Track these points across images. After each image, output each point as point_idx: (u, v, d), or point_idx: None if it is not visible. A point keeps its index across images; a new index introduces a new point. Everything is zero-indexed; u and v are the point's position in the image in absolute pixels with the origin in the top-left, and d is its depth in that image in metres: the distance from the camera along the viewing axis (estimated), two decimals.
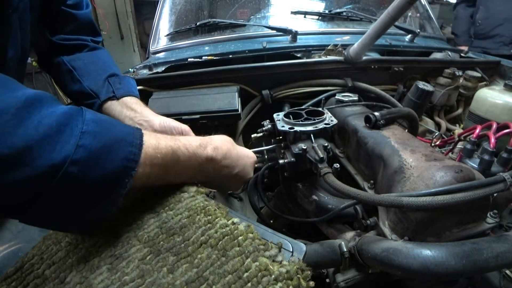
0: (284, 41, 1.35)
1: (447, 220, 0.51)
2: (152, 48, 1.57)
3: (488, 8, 2.54)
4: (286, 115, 0.75)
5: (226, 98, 0.94)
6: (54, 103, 0.35)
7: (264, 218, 0.81)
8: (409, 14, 1.78)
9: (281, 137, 0.76)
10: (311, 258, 0.48)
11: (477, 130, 0.76)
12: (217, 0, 1.85)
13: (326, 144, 0.66)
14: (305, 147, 0.65)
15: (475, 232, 0.53)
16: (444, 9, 4.29)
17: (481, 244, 0.43)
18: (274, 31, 1.38)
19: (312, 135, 0.69)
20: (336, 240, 0.54)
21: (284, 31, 1.35)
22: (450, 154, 0.87)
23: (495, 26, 2.49)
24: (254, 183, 0.80)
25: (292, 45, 1.30)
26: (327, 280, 0.56)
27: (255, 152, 0.68)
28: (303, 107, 0.85)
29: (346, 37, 1.42)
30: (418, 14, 1.80)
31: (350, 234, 0.61)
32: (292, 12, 1.52)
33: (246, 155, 0.61)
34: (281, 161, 0.70)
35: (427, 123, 1.15)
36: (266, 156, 0.81)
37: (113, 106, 0.76)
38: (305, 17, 1.55)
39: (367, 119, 0.73)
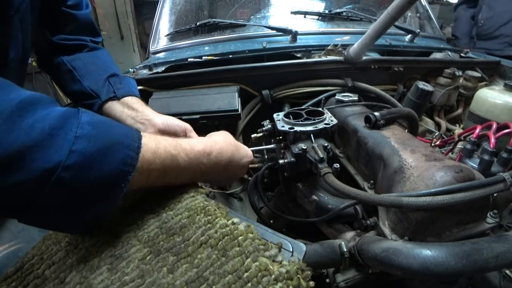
0: (284, 41, 1.35)
1: (447, 220, 0.51)
2: (152, 48, 1.56)
3: (492, 7, 2.44)
4: (286, 115, 0.75)
5: (226, 98, 0.94)
6: (50, 105, 0.34)
7: (264, 218, 0.81)
8: (409, 14, 1.78)
9: (281, 137, 0.76)
10: (311, 258, 0.48)
11: (477, 130, 0.76)
12: (217, 0, 1.85)
13: (326, 144, 0.66)
14: (305, 147, 0.65)
15: (475, 232, 0.53)
16: (444, 9, 4.29)
17: (481, 244, 0.43)
18: (274, 31, 1.38)
19: (312, 135, 0.69)
20: (336, 240, 0.54)
21: (284, 31, 1.35)
22: (450, 154, 0.87)
23: (499, 26, 2.39)
24: (254, 183, 0.80)
25: (292, 45, 1.30)
26: (327, 280, 0.56)
27: (255, 152, 0.68)
28: (303, 107, 0.85)
29: (346, 37, 1.42)
30: (418, 14, 1.80)
31: (350, 234, 0.61)
32: (292, 12, 1.52)
33: (245, 155, 0.62)
34: (281, 161, 0.70)
35: (427, 123, 1.15)
36: (266, 156, 0.81)
37: (114, 106, 0.76)
38: (305, 17, 1.55)
39: (367, 119, 0.73)
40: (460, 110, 1.25)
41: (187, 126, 0.75)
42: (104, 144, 0.35)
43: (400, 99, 1.12)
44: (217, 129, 0.92)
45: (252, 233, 0.40)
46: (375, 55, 1.30)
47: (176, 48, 1.49)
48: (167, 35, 1.59)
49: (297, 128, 0.69)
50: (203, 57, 1.23)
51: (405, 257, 0.43)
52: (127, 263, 0.37)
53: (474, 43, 2.61)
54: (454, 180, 0.49)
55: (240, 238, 0.39)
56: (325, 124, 0.71)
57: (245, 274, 0.35)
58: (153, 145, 0.42)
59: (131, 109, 0.76)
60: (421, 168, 0.54)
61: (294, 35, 1.33)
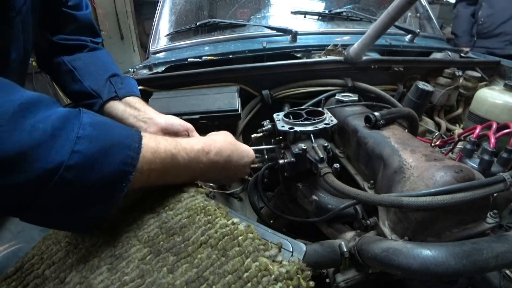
0: (284, 41, 1.35)
1: (447, 220, 0.51)
2: (152, 48, 1.56)
3: (492, 5, 2.38)
4: (286, 115, 0.75)
5: (226, 98, 0.94)
6: (52, 106, 0.35)
7: (264, 218, 0.81)
8: (409, 14, 1.78)
9: (281, 137, 0.76)
10: (311, 258, 0.48)
11: (477, 130, 0.76)
12: (217, 0, 1.85)
13: (326, 144, 0.66)
14: (305, 147, 0.65)
15: (475, 232, 0.53)
16: (444, 9, 4.29)
17: (481, 244, 0.43)
18: (274, 31, 1.38)
19: (312, 135, 0.69)
20: (336, 240, 0.54)
21: (284, 31, 1.35)
22: (450, 154, 0.87)
23: (500, 23, 2.33)
24: (254, 183, 0.80)
25: (292, 45, 1.30)
26: (327, 280, 0.56)
27: (255, 152, 0.68)
28: (303, 107, 0.85)
29: (346, 37, 1.42)
30: (418, 14, 1.80)
31: (350, 234, 0.61)
32: (292, 12, 1.52)
33: (246, 154, 0.62)
34: (281, 161, 0.70)
35: (427, 123, 1.15)
36: (266, 156, 0.81)
37: (116, 106, 0.76)
38: (305, 17, 1.55)
39: (367, 119, 0.73)
40: (460, 110, 1.25)
41: (189, 125, 0.75)
42: (105, 145, 0.36)
43: (400, 99, 1.12)
44: (217, 129, 0.93)
45: (252, 233, 0.40)
46: (375, 55, 1.30)
47: (176, 48, 1.49)
48: (167, 35, 1.59)
49: (297, 128, 0.69)
50: (203, 57, 1.23)
51: (405, 257, 0.43)
52: (127, 263, 0.37)
53: (474, 42, 2.55)
54: (454, 180, 0.49)
55: (240, 238, 0.39)
56: (325, 124, 0.71)
57: (245, 274, 0.35)
58: (153, 145, 0.42)
59: (133, 108, 0.76)
60: (421, 168, 0.54)
61: (294, 35, 1.33)
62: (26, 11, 0.62)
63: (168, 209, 0.45)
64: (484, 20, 2.43)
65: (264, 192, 0.83)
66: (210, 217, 0.42)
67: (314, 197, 0.70)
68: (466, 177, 0.50)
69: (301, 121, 0.73)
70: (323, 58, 1.15)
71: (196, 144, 0.50)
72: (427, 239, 0.52)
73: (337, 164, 0.63)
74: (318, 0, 1.94)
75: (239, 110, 0.92)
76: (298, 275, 0.35)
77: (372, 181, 0.66)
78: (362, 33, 1.05)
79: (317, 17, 1.56)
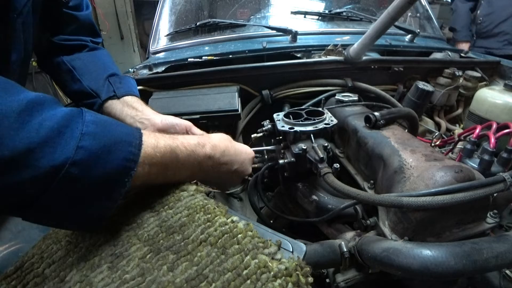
0: (284, 41, 1.35)
1: (447, 220, 0.51)
2: (152, 48, 1.57)
3: (491, 3, 2.32)
4: (286, 115, 0.75)
5: (226, 98, 0.94)
6: (55, 106, 0.36)
7: (264, 218, 0.81)
8: (409, 14, 1.78)
9: (281, 137, 0.76)
10: (311, 258, 0.48)
11: (477, 130, 0.76)
12: (217, 0, 1.85)
13: (326, 144, 0.66)
14: (305, 147, 0.65)
15: (475, 232, 0.53)
16: (444, 9, 4.28)
17: (481, 244, 0.43)
18: (274, 31, 1.38)
19: (312, 135, 0.69)
20: (336, 240, 0.54)
21: (284, 31, 1.35)
22: (450, 154, 0.87)
23: (499, 22, 2.27)
24: (254, 183, 0.80)
25: (292, 45, 1.30)
26: (327, 280, 0.56)
27: (255, 152, 0.68)
28: (303, 107, 0.85)
29: (346, 37, 1.42)
30: (418, 14, 1.80)
31: (350, 234, 0.61)
32: (292, 12, 1.52)
33: (244, 151, 0.62)
34: (281, 161, 0.70)
35: (427, 123, 1.15)
36: (266, 156, 0.81)
37: (114, 105, 0.76)
38: (305, 17, 1.55)
39: (367, 119, 0.73)
40: (460, 110, 1.25)
41: (188, 123, 0.75)
42: (107, 142, 0.37)
43: (400, 99, 1.13)
44: (217, 129, 0.93)
45: (252, 231, 0.40)
46: (375, 55, 1.30)
47: (176, 48, 1.49)
48: (167, 35, 1.59)
49: (297, 128, 0.69)
50: (203, 57, 1.23)
51: (405, 257, 0.43)
52: (127, 262, 0.37)
53: (474, 41, 2.51)
54: (454, 180, 0.49)
55: (239, 236, 0.39)
56: (325, 124, 0.71)
57: (245, 272, 0.35)
58: (153, 140, 0.43)
59: (131, 108, 0.76)
60: (421, 168, 0.54)
61: (294, 35, 1.33)
62: (27, 12, 0.62)
63: (168, 208, 0.45)
64: (483, 19, 2.38)
65: (264, 192, 0.83)
66: (209, 216, 0.42)
67: (314, 197, 0.70)
68: (466, 177, 0.50)
69: (301, 121, 0.73)
70: (323, 58, 1.15)
71: (192, 139, 0.51)
72: (427, 239, 0.52)
73: (337, 164, 0.63)
74: (318, 0, 1.94)
75: (239, 110, 0.92)
76: (297, 272, 0.35)
77: (372, 181, 0.66)
78: (362, 33, 1.05)
79: (317, 17, 1.56)
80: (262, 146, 0.81)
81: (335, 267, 0.55)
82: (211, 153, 0.52)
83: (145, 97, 0.91)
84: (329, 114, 0.76)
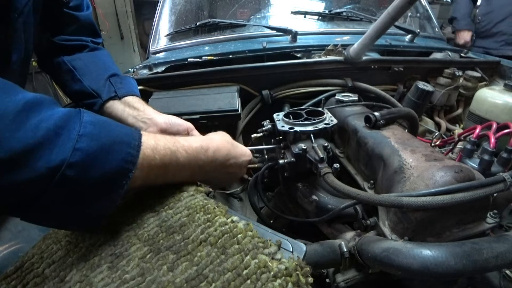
0: (284, 41, 1.35)
1: (447, 220, 0.51)
2: (152, 48, 1.57)
3: (490, 1, 2.26)
4: (286, 115, 0.75)
5: (226, 98, 0.94)
6: (53, 106, 0.35)
7: (264, 218, 0.81)
8: (409, 14, 1.78)
9: (281, 137, 0.76)
10: (311, 258, 0.48)
11: (477, 130, 0.76)
12: (217, 0, 1.85)
13: (326, 144, 0.66)
14: (305, 147, 0.65)
15: (475, 232, 0.53)
16: (444, 9, 4.28)
17: (481, 244, 0.43)
18: (274, 31, 1.38)
19: (312, 135, 0.69)
20: (336, 240, 0.54)
21: (284, 31, 1.35)
22: (450, 154, 0.87)
23: (497, 22, 2.21)
24: (254, 183, 0.80)
25: (292, 45, 1.30)
26: (327, 280, 0.56)
27: (255, 152, 0.68)
28: (303, 107, 0.85)
29: (346, 37, 1.42)
30: (418, 14, 1.80)
31: (350, 234, 0.61)
32: (292, 12, 1.52)
33: (243, 154, 0.62)
34: (281, 161, 0.70)
35: (427, 123, 1.15)
36: (266, 156, 0.81)
37: (115, 106, 0.76)
38: (305, 17, 1.55)
39: (367, 119, 0.73)
40: (460, 110, 1.25)
41: (189, 125, 0.75)
42: (105, 143, 0.36)
43: (400, 99, 1.13)
44: (217, 129, 0.93)
45: (252, 231, 0.40)
46: (375, 55, 1.30)
47: (176, 48, 1.49)
48: (167, 35, 1.59)
49: (297, 128, 0.69)
50: (203, 57, 1.23)
51: (405, 257, 0.43)
52: (127, 262, 0.37)
53: (474, 41, 2.45)
54: (454, 180, 0.49)
55: (239, 236, 0.39)
56: (325, 124, 0.71)
57: (245, 271, 0.35)
58: (152, 142, 0.43)
59: (132, 108, 0.76)
60: (421, 168, 0.54)
61: (294, 35, 1.33)
62: (28, 12, 0.62)
63: (168, 208, 0.45)
64: (482, 18, 2.33)
65: (264, 192, 0.83)
66: (209, 216, 0.42)
67: (314, 197, 0.70)
68: (466, 177, 0.50)
69: (301, 121, 0.73)
70: (323, 58, 1.15)
71: (194, 142, 0.51)
72: (427, 239, 0.52)
73: (337, 164, 0.63)
74: (318, 0, 1.94)
75: (239, 110, 0.92)
76: (297, 272, 0.35)
77: (372, 181, 0.66)
78: (362, 33, 1.05)
79: (317, 17, 1.56)
80: (262, 146, 0.81)
81: (335, 267, 0.55)
82: (213, 157, 0.52)
83: (145, 97, 0.91)
84: (329, 114, 0.76)
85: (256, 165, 0.80)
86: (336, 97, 0.94)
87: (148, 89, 1.02)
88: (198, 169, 0.50)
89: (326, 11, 1.58)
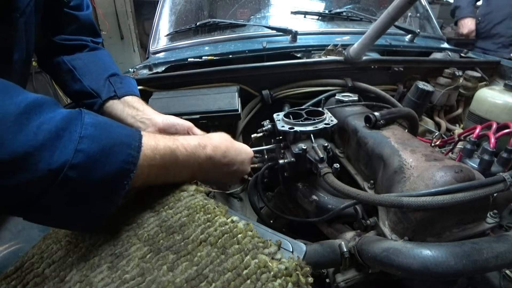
0: (284, 41, 1.35)
1: (447, 220, 0.51)
2: (152, 48, 1.56)
3: (490, 2, 2.23)
4: (286, 115, 0.75)
5: (226, 98, 0.94)
6: (54, 108, 0.35)
7: (264, 218, 0.81)
8: (409, 14, 1.78)
9: (281, 137, 0.76)
10: (311, 258, 0.48)
11: (477, 130, 0.76)
12: (217, 0, 1.85)
13: (326, 144, 0.66)
14: (305, 147, 0.65)
15: (475, 232, 0.53)
16: (444, 9, 4.28)
17: (481, 244, 0.43)
18: (274, 31, 1.38)
19: (312, 135, 0.69)
20: (336, 240, 0.54)
21: (284, 31, 1.35)
22: (450, 154, 0.87)
23: (495, 24, 2.19)
24: (254, 183, 0.80)
25: (292, 45, 1.30)
26: (327, 280, 0.56)
27: (255, 152, 0.68)
28: (303, 107, 0.85)
29: (346, 37, 1.42)
30: (418, 14, 1.80)
31: (350, 234, 0.61)
32: (292, 12, 1.52)
33: (244, 151, 0.62)
34: (281, 161, 0.70)
35: (427, 123, 1.15)
36: (266, 156, 0.81)
37: (115, 105, 0.76)
38: (305, 17, 1.55)
39: (367, 119, 0.73)
40: (460, 110, 1.25)
41: (189, 124, 0.75)
42: (106, 144, 0.37)
43: (400, 99, 1.13)
44: (217, 129, 0.93)
45: (251, 231, 0.40)
46: (375, 55, 1.30)
47: (176, 48, 1.49)
48: (167, 35, 1.59)
49: (297, 128, 0.69)
50: (203, 57, 1.23)
51: (405, 257, 0.43)
52: (127, 262, 0.37)
53: (475, 41, 2.42)
54: (454, 180, 0.49)
55: (239, 235, 0.39)
56: (325, 124, 0.71)
57: (245, 271, 0.35)
58: (152, 142, 0.43)
59: (132, 108, 0.76)
60: (421, 168, 0.54)
61: (294, 35, 1.33)
62: (30, 12, 0.62)
63: (168, 208, 0.45)
64: (482, 19, 2.31)
65: (264, 192, 0.83)
66: (209, 216, 0.42)
67: (314, 197, 0.70)
68: (466, 177, 0.50)
69: (301, 121, 0.73)
70: (323, 58, 1.15)
71: (193, 140, 0.51)
72: (427, 239, 0.52)
73: (337, 164, 0.63)
74: (318, 0, 1.94)
75: (239, 110, 0.92)
76: (297, 272, 0.35)
77: (372, 181, 0.66)
78: (362, 33, 1.05)
79: (317, 17, 1.56)
80: (262, 146, 0.81)
81: (335, 267, 0.55)
82: (212, 154, 0.52)
83: (145, 97, 0.91)
84: (329, 114, 0.76)
85: (256, 165, 0.80)
86: (336, 97, 0.94)
87: (148, 89, 1.02)
88: (198, 168, 0.50)
89: (326, 11, 1.58)
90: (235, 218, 0.43)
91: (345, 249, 0.51)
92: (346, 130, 0.80)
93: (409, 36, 1.49)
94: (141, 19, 4.72)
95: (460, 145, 0.86)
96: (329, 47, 1.21)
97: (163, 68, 1.22)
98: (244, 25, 1.52)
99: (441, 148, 0.94)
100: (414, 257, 0.42)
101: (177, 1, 1.75)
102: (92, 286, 0.35)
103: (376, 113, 0.72)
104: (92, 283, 0.35)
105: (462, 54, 1.45)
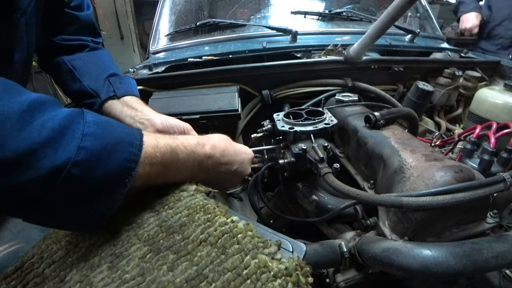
0: (284, 41, 1.35)
1: (447, 220, 0.51)
2: (152, 48, 1.56)
3: (490, 3, 2.21)
4: (286, 115, 0.75)
5: (226, 98, 0.94)
6: (56, 106, 0.36)
7: (264, 218, 0.81)
8: (409, 14, 1.78)
9: (281, 137, 0.76)
10: (311, 258, 0.48)
11: (477, 130, 0.76)
12: (217, 0, 1.85)
13: (326, 144, 0.66)
14: (305, 147, 0.65)
15: (475, 232, 0.53)
16: (444, 9, 4.28)
17: (481, 244, 0.43)
18: (274, 31, 1.38)
19: (312, 135, 0.69)
20: (336, 240, 0.54)
21: (284, 31, 1.35)
22: (450, 154, 0.87)
23: (495, 25, 2.18)
24: (254, 183, 0.80)
25: (292, 45, 1.30)
26: (327, 280, 0.56)
27: (255, 152, 0.68)
28: (303, 107, 0.85)
29: (346, 37, 1.42)
30: (418, 14, 1.80)
31: (350, 234, 0.61)
32: (292, 12, 1.52)
33: (243, 151, 0.62)
34: (281, 161, 0.70)
35: (427, 123, 1.15)
36: (266, 156, 0.81)
37: (114, 105, 0.76)
38: (305, 17, 1.55)
39: (367, 119, 0.73)
40: (460, 110, 1.25)
41: (187, 125, 0.75)
42: (108, 142, 0.37)
43: (400, 99, 1.13)
44: (217, 129, 0.93)
45: (251, 231, 0.40)
46: (375, 55, 1.30)
47: (176, 48, 1.49)
48: (167, 35, 1.59)
49: (297, 128, 0.69)
50: (203, 57, 1.23)
51: (405, 257, 0.43)
52: (127, 262, 0.37)
53: (476, 42, 2.40)
54: (454, 180, 0.49)
55: (239, 235, 0.39)
56: (325, 124, 0.71)
57: (245, 271, 0.35)
58: (153, 141, 0.44)
59: (130, 108, 0.76)
60: (421, 168, 0.54)
61: (294, 35, 1.33)
62: (30, 12, 0.62)
63: (168, 208, 0.45)
64: (487, 19, 2.26)
65: (264, 192, 0.83)
66: (209, 215, 0.42)
67: (314, 197, 0.70)
68: (466, 177, 0.50)
69: (301, 121, 0.73)
70: (323, 58, 1.15)
71: (192, 139, 0.52)
72: (427, 239, 0.52)
73: (337, 164, 0.63)
74: (318, 0, 1.94)
75: (239, 110, 0.92)
76: (297, 272, 0.35)
77: (372, 181, 0.66)
78: (362, 33, 1.05)
79: (317, 17, 1.56)
80: (262, 146, 0.81)
81: (335, 267, 0.55)
82: (211, 152, 0.53)
83: (145, 97, 0.91)
84: (329, 114, 0.76)
85: (256, 165, 0.80)
86: (336, 97, 0.94)
87: (148, 89, 1.02)
88: (197, 166, 0.51)
89: (326, 11, 1.58)
90: (235, 218, 0.42)
91: (345, 249, 0.51)
92: (346, 130, 0.80)
93: (409, 36, 1.49)
94: (141, 19, 4.72)
95: (460, 145, 0.86)
96: (329, 47, 1.21)
97: (163, 68, 1.22)
98: (244, 25, 1.52)
99: (441, 148, 0.94)
100: (414, 257, 0.42)
101: (177, 1, 1.75)
102: (92, 286, 0.35)
103: (376, 113, 0.72)
104: (92, 283, 0.35)
105: (462, 54, 1.45)
